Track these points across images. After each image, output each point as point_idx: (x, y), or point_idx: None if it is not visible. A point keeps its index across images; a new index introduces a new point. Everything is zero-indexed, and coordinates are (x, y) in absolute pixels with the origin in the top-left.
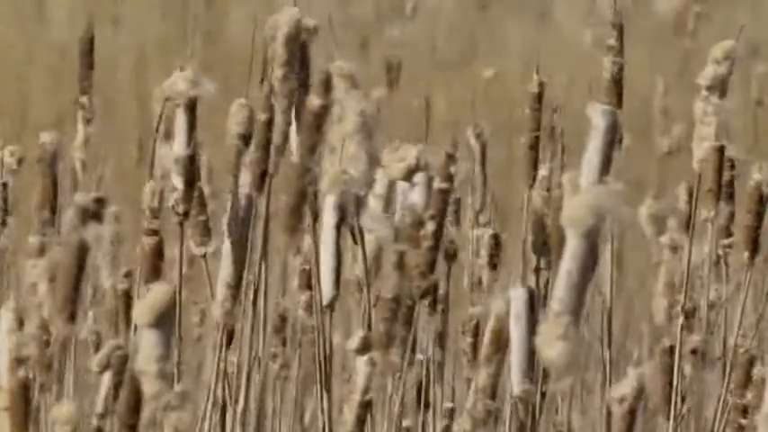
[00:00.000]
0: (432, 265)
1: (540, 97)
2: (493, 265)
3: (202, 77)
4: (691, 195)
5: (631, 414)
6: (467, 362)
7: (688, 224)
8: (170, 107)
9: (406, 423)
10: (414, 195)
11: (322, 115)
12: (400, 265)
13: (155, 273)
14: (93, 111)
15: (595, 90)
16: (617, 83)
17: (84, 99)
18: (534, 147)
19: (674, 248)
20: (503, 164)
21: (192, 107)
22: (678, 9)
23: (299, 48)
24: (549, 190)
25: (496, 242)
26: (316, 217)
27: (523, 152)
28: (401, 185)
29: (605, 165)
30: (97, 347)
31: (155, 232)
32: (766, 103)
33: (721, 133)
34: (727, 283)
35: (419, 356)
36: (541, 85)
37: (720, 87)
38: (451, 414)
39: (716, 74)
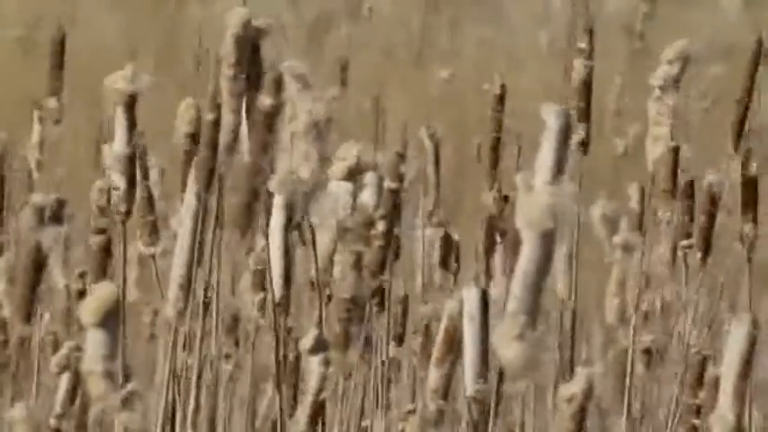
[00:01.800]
0: (382, 265)
1: (501, 99)
2: (444, 265)
3: (142, 74)
4: (643, 195)
5: (581, 413)
6: (417, 361)
7: (640, 224)
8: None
9: (364, 423)
10: (364, 195)
11: (273, 115)
12: (357, 265)
13: (103, 271)
14: (62, 111)
15: (549, 90)
16: (587, 85)
17: (52, 100)
18: (495, 148)
19: (627, 248)
20: (456, 164)
21: (131, 105)
22: (630, 10)
23: (249, 47)
24: (500, 190)
25: (448, 242)
26: (268, 217)
27: (484, 153)
28: (346, 185)
29: (559, 165)
30: (55, 348)
31: (102, 231)
32: (721, 104)
33: (677, 134)
34: (680, 283)
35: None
36: (503, 86)
37: (673, 87)
38: (407, 414)
39: (668, 74)
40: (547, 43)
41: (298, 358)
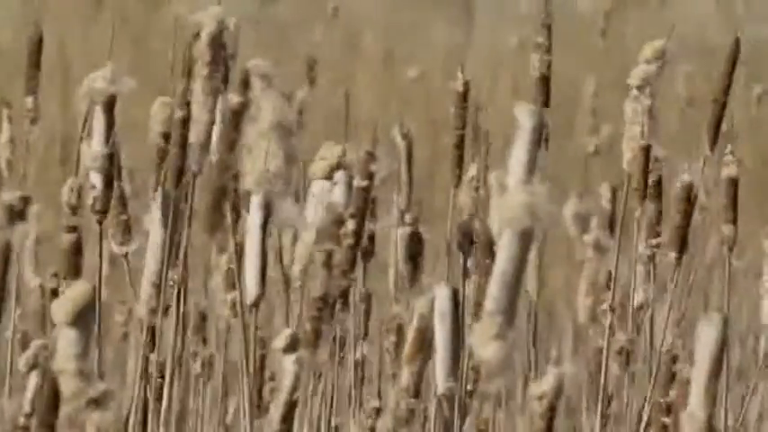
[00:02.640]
0: (352, 264)
1: (465, 96)
2: (414, 264)
3: (122, 75)
4: (614, 194)
5: (551, 411)
6: (390, 360)
7: (611, 223)
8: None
9: (334, 422)
10: (334, 194)
11: (241, 113)
12: (328, 263)
13: (74, 270)
14: (39, 111)
15: (521, 89)
16: (545, 81)
17: (29, 99)
18: (459, 146)
19: (598, 248)
20: (426, 163)
21: (110, 105)
22: (604, 9)
23: (223, 47)
24: (477, 189)
25: (418, 240)
26: (237, 215)
27: (449, 151)
28: (319, 183)
29: (531, 164)
30: (24, 347)
31: (73, 229)
32: (695, 103)
33: (651, 133)
34: (654, 283)
35: (348, 356)
36: (466, 84)
37: (650, 87)
38: (377, 413)
39: (646, 73)
40: (517, 42)
41: (264, 357)
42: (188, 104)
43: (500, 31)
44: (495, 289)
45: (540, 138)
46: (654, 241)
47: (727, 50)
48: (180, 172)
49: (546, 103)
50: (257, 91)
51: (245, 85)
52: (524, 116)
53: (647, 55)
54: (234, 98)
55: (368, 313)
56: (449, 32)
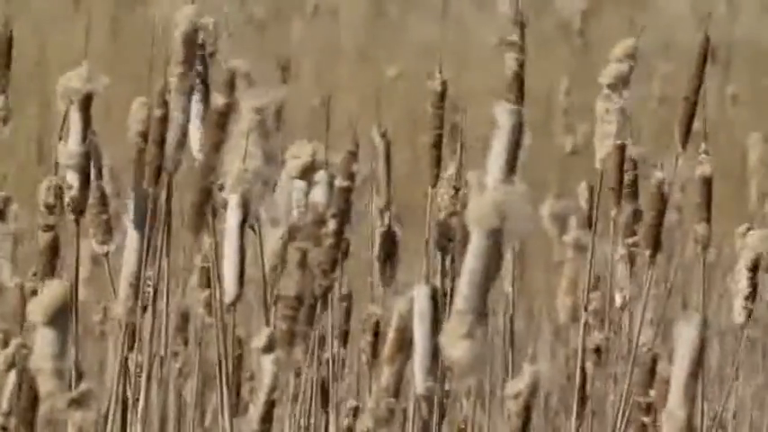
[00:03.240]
0: (333, 264)
1: (442, 96)
2: (389, 263)
3: (98, 74)
4: (592, 194)
5: (527, 410)
6: (366, 360)
7: (589, 223)
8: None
9: (310, 421)
10: (315, 194)
11: (226, 114)
12: (302, 263)
13: (51, 269)
14: (10, 110)
15: (498, 89)
16: (519, 79)
17: (0, 98)
18: (437, 145)
19: (577, 247)
20: (405, 162)
21: (86, 104)
22: (581, 9)
23: (197, 46)
24: (456, 189)
25: (393, 240)
26: (215, 215)
27: (426, 150)
28: (298, 183)
29: (511, 164)
30: (4, 346)
31: (50, 228)
32: (670, 102)
33: (624, 131)
34: (631, 282)
35: (325, 355)
36: (444, 83)
37: (622, 85)
38: (355, 412)
39: (617, 72)
40: (494, 41)
41: (241, 357)
42: (166, 104)
43: (479, 29)
44: (464, 288)
45: (519, 137)
46: (630, 240)
47: (698, 49)
48: (158, 171)
49: (520, 103)
50: (237, 91)
51: (231, 86)
52: (503, 116)
53: (619, 54)
54: (219, 99)
55: (348, 312)
56: (427, 31)
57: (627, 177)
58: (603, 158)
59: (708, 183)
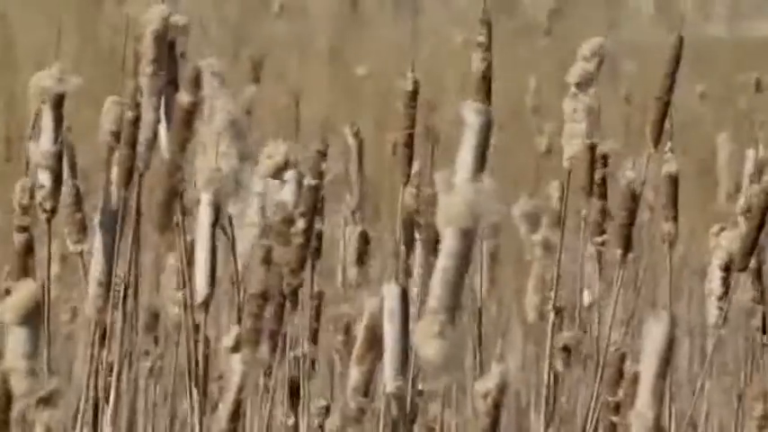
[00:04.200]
0: (302, 263)
1: (414, 95)
2: (361, 262)
3: (70, 74)
4: (562, 193)
5: (496, 409)
6: (339, 359)
7: (559, 222)
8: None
9: (279, 420)
10: (284, 193)
11: (192, 112)
12: (267, 260)
13: (25, 269)
14: None
15: (466, 88)
16: (486, 79)
17: None
18: (409, 144)
19: (547, 246)
20: (375, 162)
21: (58, 103)
22: (549, 8)
23: (167, 45)
24: (418, 187)
25: (365, 240)
26: (184, 214)
27: (398, 150)
28: (271, 183)
29: (479, 163)
30: None
31: (24, 229)
32: (635, 101)
33: (593, 131)
34: (600, 281)
35: (292, 354)
36: (416, 82)
37: (589, 84)
38: (326, 411)
39: (584, 71)
40: (462, 40)
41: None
42: (137, 106)
43: (446, 28)
44: (437, 287)
45: (487, 136)
46: (599, 239)
47: (670, 49)
48: (129, 172)
49: (487, 103)
50: (209, 90)
51: (196, 83)
52: (471, 115)
53: (586, 53)
54: (185, 97)
55: (318, 312)
56: (397, 30)
57: (596, 176)
58: (571, 157)
59: (674, 181)
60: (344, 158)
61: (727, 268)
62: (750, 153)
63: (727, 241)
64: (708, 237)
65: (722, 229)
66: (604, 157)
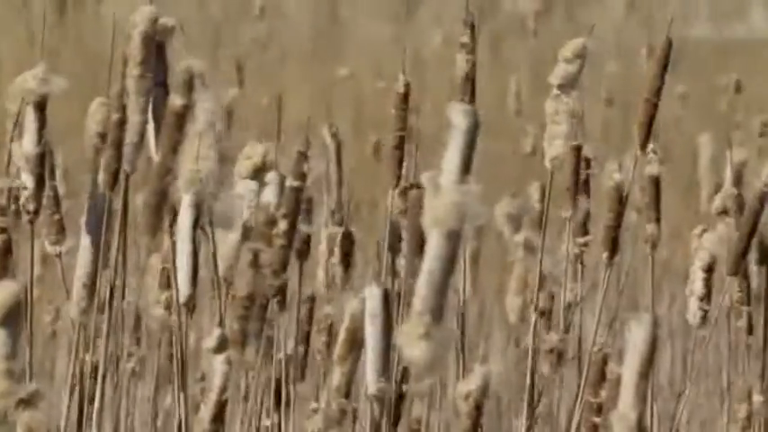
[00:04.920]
0: (284, 264)
1: (406, 97)
2: (346, 264)
3: (53, 75)
4: (543, 194)
5: (477, 410)
6: (321, 360)
7: (541, 223)
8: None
9: (265, 422)
10: (266, 194)
11: (183, 115)
12: (254, 263)
13: (4, 270)
14: None
15: (450, 89)
16: (470, 80)
17: None
18: (399, 147)
19: (529, 247)
20: (355, 162)
21: (42, 105)
22: (532, 10)
23: (155, 47)
24: (404, 189)
25: (350, 241)
26: (175, 216)
27: (388, 152)
28: (250, 184)
29: (466, 165)
30: None
31: (3, 230)
32: (616, 102)
33: (577, 132)
34: (583, 282)
35: (279, 355)
36: (407, 85)
37: (571, 86)
38: (315, 413)
39: (566, 72)
40: (442, 41)
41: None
42: (123, 107)
43: (429, 29)
44: (422, 289)
45: (474, 138)
46: (582, 240)
47: (659, 51)
48: (116, 174)
49: (471, 103)
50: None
51: (189, 86)
52: (458, 116)
53: (567, 54)
54: (177, 100)
55: (311, 315)
56: (377, 31)
57: (581, 177)
58: (553, 159)
59: (656, 182)
60: (324, 159)
61: (709, 269)
62: (731, 154)
63: (709, 243)
64: (689, 238)
65: (704, 231)
66: (588, 159)
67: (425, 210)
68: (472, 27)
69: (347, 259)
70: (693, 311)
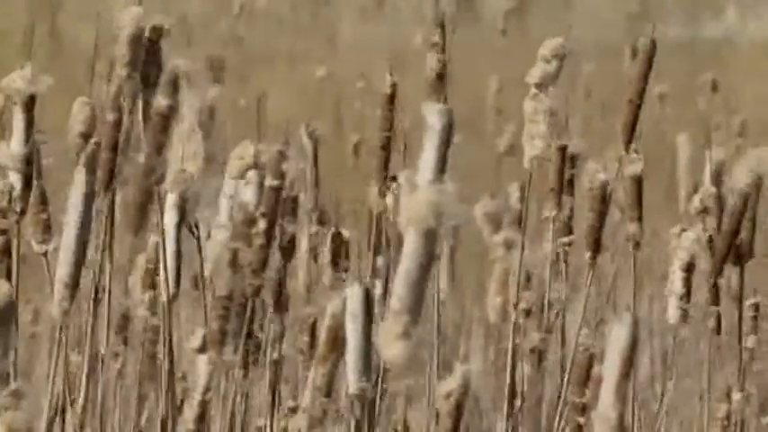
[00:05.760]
0: (264, 263)
1: (392, 98)
2: (335, 263)
3: (40, 75)
4: (523, 193)
5: (458, 410)
6: (303, 360)
7: (520, 222)
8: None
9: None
10: (246, 193)
11: (169, 116)
12: (233, 262)
13: (7, 273)
14: None
15: (423, 89)
16: (441, 79)
17: None
18: (386, 147)
19: (508, 247)
20: (334, 162)
21: (29, 105)
22: (505, 10)
23: (143, 47)
24: (384, 188)
25: (340, 241)
26: (162, 215)
27: (374, 153)
28: (233, 183)
29: (441, 163)
30: None
31: (2, 232)
32: (594, 100)
33: (560, 132)
34: (566, 282)
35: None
36: (394, 85)
37: (549, 85)
38: (294, 412)
39: (545, 72)
40: (422, 41)
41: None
42: (119, 108)
43: (406, 29)
44: (400, 288)
45: (449, 137)
46: (565, 239)
47: (642, 52)
48: (111, 175)
49: (443, 102)
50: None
51: (174, 87)
52: (433, 116)
53: (546, 54)
54: (162, 100)
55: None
56: (356, 31)
57: (564, 177)
58: (532, 159)
59: (638, 182)
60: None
61: (688, 269)
62: (710, 154)
63: (688, 242)
64: (668, 238)
65: (683, 230)
66: (573, 159)
67: (401, 209)
68: (442, 27)
69: (337, 260)
70: (673, 311)
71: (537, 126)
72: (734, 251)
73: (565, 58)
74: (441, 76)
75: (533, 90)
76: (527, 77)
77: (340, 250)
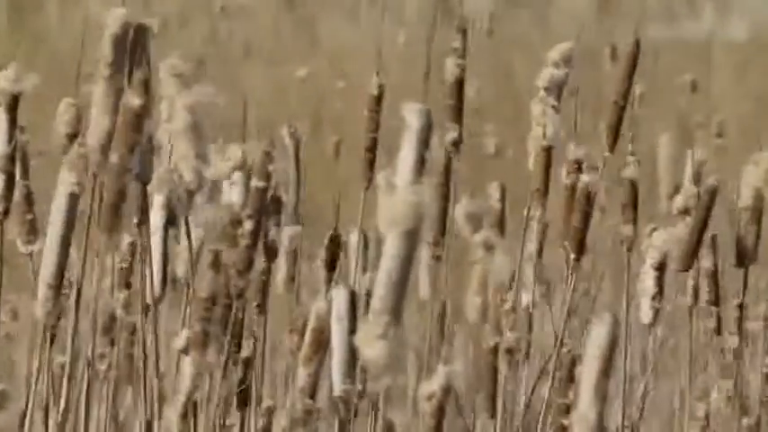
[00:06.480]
0: (250, 264)
1: (379, 99)
2: (331, 265)
3: (25, 75)
4: (503, 194)
5: (440, 411)
6: (292, 361)
7: (500, 223)
8: None
9: (228, 422)
10: (232, 194)
11: (141, 115)
12: (215, 263)
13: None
14: None
15: (407, 88)
16: (460, 84)
17: None
18: (372, 149)
19: (488, 247)
20: (316, 162)
21: (13, 105)
22: (489, 11)
23: (128, 47)
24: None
25: (337, 244)
26: (143, 215)
27: (362, 154)
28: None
29: (420, 164)
30: None
31: None
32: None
33: (563, 134)
34: (547, 282)
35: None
36: (381, 87)
37: (557, 89)
38: (270, 412)
39: (553, 76)
40: (403, 42)
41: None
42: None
43: (387, 29)
44: (380, 289)
45: (428, 137)
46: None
47: (627, 54)
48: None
49: (460, 109)
50: (170, 91)
51: (146, 86)
52: (412, 116)
53: (555, 58)
54: (134, 99)
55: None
56: (335, 31)
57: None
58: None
59: (633, 184)
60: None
61: (660, 268)
62: (692, 153)
63: (660, 241)
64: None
65: (654, 230)
66: (579, 162)
67: (380, 210)
68: (464, 32)
69: (333, 263)
70: (645, 310)
71: (543, 128)
72: (738, 253)
73: (572, 63)
74: (459, 81)
75: (541, 93)
76: (536, 81)
77: (337, 253)
